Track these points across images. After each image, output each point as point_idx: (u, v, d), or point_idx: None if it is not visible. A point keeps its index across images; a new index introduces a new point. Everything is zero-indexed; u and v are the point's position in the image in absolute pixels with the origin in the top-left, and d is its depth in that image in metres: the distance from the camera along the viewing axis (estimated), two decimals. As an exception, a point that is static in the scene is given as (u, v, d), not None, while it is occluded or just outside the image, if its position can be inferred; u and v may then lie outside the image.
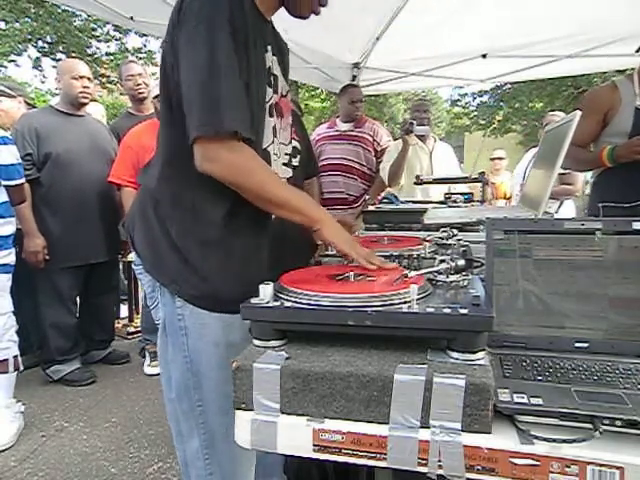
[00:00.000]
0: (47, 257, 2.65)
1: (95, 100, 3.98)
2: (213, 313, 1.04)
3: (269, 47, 1.09)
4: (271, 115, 1.10)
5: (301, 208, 1.00)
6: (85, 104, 2.87)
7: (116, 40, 13.61)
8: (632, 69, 2.13)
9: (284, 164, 1.21)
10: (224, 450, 1.08)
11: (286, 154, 1.21)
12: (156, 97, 2.74)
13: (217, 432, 1.07)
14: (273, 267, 1.05)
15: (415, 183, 3.16)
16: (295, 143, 2.56)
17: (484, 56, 3.54)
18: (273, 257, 1.13)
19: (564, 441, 0.62)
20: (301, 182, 2.60)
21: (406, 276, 0.85)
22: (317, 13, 1.10)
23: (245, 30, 0.96)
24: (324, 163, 3.15)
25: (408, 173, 2.98)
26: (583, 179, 3.61)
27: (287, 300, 0.81)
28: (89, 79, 2.82)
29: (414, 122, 2.88)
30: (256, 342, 0.81)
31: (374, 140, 3.11)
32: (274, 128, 1.12)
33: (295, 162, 2.69)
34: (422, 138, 3.11)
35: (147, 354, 3.04)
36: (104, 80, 13.84)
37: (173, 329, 1.07)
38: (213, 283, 1.03)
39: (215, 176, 0.95)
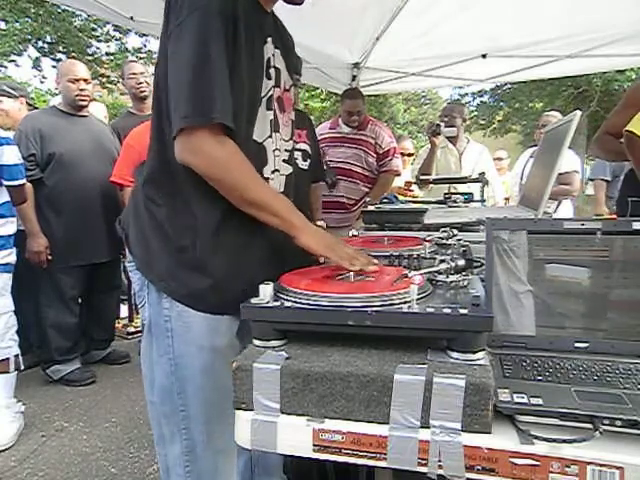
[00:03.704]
0: (50, 257, 2.65)
1: (95, 100, 3.97)
2: (200, 313, 1.00)
3: (269, 39, 1.04)
4: (269, 108, 1.05)
5: (279, 212, 0.95)
6: (84, 106, 2.86)
7: (116, 40, 13.63)
8: (632, 69, 2.12)
9: (284, 160, 1.14)
10: (205, 458, 1.04)
11: (286, 150, 1.15)
12: None
13: (198, 440, 1.03)
14: (275, 267, 1.01)
15: (416, 184, 3.16)
16: (306, 147, 2.54)
17: (484, 56, 3.53)
18: (276, 257, 1.09)
19: (564, 441, 0.62)
20: (307, 186, 2.59)
21: (406, 276, 0.85)
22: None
23: (237, 19, 0.92)
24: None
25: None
26: (581, 179, 3.60)
27: (287, 300, 0.81)
28: (86, 81, 2.80)
29: (441, 124, 2.89)
30: (256, 342, 0.81)
31: (376, 143, 3.09)
32: (272, 122, 1.07)
33: (304, 165, 2.64)
34: (452, 140, 3.14)
35: (147, 354, 3.03)
36: (104, 80, 13.86)
37: (159, 330, 1.04)
38: (202, 280, 0.99)
39: (195, 169, 0.92)
